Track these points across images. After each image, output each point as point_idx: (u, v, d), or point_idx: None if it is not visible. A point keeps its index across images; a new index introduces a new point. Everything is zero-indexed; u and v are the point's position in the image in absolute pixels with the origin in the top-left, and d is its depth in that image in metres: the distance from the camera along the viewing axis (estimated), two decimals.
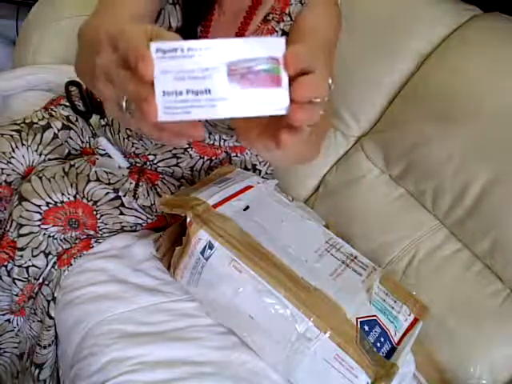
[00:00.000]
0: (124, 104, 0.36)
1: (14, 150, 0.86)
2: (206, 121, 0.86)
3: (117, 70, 0.35)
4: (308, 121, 0.35)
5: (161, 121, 0.34)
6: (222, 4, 0.84)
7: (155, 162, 0.93)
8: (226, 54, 0.33)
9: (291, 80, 0.35)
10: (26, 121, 0.91)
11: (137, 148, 0.92)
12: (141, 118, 0.35)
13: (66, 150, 0.93)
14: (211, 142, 0.92)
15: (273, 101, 0.34)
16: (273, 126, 0.37)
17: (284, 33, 0.84)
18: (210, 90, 0.33)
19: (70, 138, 0.94)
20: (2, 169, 0.84)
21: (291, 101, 0.35)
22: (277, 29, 0.84)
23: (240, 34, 0.85)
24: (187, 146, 0.92)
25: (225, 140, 0.92)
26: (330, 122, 0.78)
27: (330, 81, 0.39)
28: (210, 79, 0.33)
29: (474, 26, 1.01)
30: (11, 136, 0.86)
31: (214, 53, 0.33)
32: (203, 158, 0.94)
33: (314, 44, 0.74)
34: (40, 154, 0.88)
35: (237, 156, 0.97)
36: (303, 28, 0.79)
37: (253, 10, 0.84)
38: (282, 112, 0.35)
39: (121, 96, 0.36)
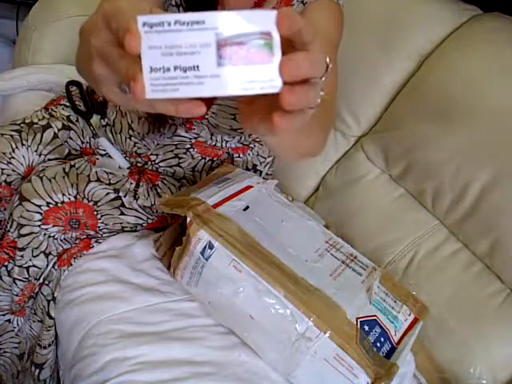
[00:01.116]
0: (124, 86, 0.35)
1: (14, 151, 0.86)
2: (208, 121, 0.86)
3: (111, 49, 0.35)
4: (300, 104, 0.33)
5: (149, 98, 0.32)
6: (225, 6, 0.84)
7: (157, 161, 0.93)
8: (215, 28, 0.32)
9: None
10: (26, 121, 0.91)
11: (139, 148, 0.92)
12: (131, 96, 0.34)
13: (66, 150, 0.93)
14: (213, 143, 0.92)
15: (264, 78, 0.33)
16: (273, 109, 0.35)
17: None
18: (198, 67, 0.32)
19: (70, 138, 0.94)
20: (2, 169, 0.84)
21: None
22: None
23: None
24: (189, 146, 0.92)
25: (227, 141, 0.92)
26: (332, 114, 0.74)
27: (328, 60, 0.37)
28: (199, 55, 0.32)
29: (474, 25, 1.01)
30: (11, 136, 0.86)
31: (202, 27, 0.32)
32: (205, 158, 0.94)
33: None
34: (40, 154, 0.88)
35: (239, 157, 0.97)
36: None
37: None
38: (275, 90, 0.33)
39: (116, 76, 0.35)
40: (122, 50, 0.33)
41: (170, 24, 0.31)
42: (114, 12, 0.34)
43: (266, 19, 0.32)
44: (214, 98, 0.82)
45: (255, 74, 0.32)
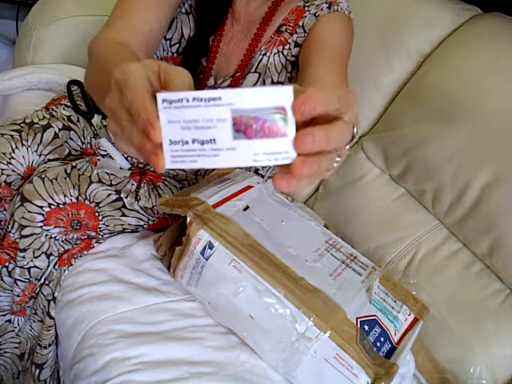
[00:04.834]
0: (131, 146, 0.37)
1: (14, 151, 0.85)
2: None
3: (124, 116, 0.36)
4: (311, 173, 0.34)
5: (168, 168, 0.35)
6: (235, 15, 0.85)
7: None
8: (231, 104, 0.33)
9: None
10: (27, 120, 0.91)
11: None
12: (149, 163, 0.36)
13: (67, 151, 0.93)
14: None
15: (278, 151, 0.34)
16: None
17: (297, 44, 0.84)
18: (215, 140, 0.34)
19: (71, 138, 0.94)
20: (2, 169, 0.84)
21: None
22: (289, 41, 0.84)
23: (253, 45, 0.85)
24: None
25: None
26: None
27: (355, 130, 0.36)
28: (215, 129, 0.34)
29: (474, 25, 1.01)
30: (11, 136, 0.86)
31: (218, 103, 0.33)
32: None
33: (331, 85, 0.72)
34: (40, 155, 0.88)
35: None
36: (319, 41, 0.79)
37: (266, 21, 0.85)
38: (288, 162, 0.34)
39: (128, 139, 0.37)
40: (135, 126, 0.35)
41: (188, 100, 0.33)
42: (125, 81, 0.36)
43: (280, 95, 0.33)
44: None
45: (269, 146, 0.34)
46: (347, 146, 0.36)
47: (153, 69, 0.37)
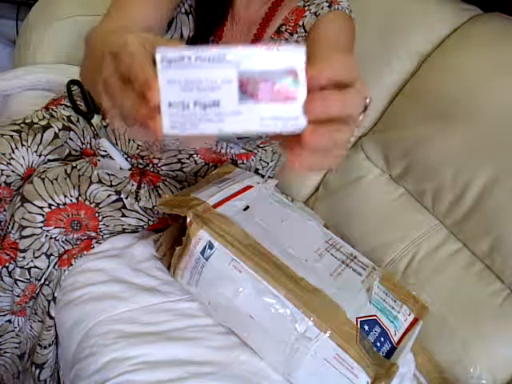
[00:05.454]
0: (125, 119, 0.35)
1: (13, 151, 0.85)
2: None
3: (118, 83, 0.34)
4: (322, 145, 0.31)
5: (167, 134, 0.32)
6: (235, 15, 0.84)
7: (159, 165, 0.93)
8: (238, 64, 0.31)
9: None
10: (26, 121, 0.90)
11: (141, 150, 0.92)
12: (146, 132, 0.33)
13: (66, 151, 0.93)
14: (218, 150, 0.92)
15: (288, 116, 0.31)
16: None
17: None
18: (219, 103, 0.31)
19: (71, 138, 0.93)
20: (2, 170, 0.84)
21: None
22: (290, 40, 0.84)
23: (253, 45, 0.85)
24: (192, 152, 0.91)
25: (231, 147, 0.92)
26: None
27: (368, 100, 0.34)
28: (220, 91, 0.31)
29: (474, 26, 1.01)
30: (11, 136, 0.86)
31: (224, 62, 0.31)
32: (208, 164, 0.94)
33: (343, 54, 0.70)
34: (40, 155, 0.88)
35: (243, 163, 0.97)
36: (320, 39, 0.79)
37: (266, 21, 0.84)
38: (298, 130, 0.31)
39: (122, 110, 0.35)
40: (131, 90, 0.33)
41: (190, 59, 0.31)
42: (121, 47, 0.34)
43: (292, 56, 0.31)
44: None
45: (278, 111, 0.31)
46: (360, 117, 0.34)
47: (149, 40, 0.35)
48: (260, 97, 0.31)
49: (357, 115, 0.33)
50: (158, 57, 0.31)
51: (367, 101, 0.35)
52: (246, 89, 0.31)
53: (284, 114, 0.31)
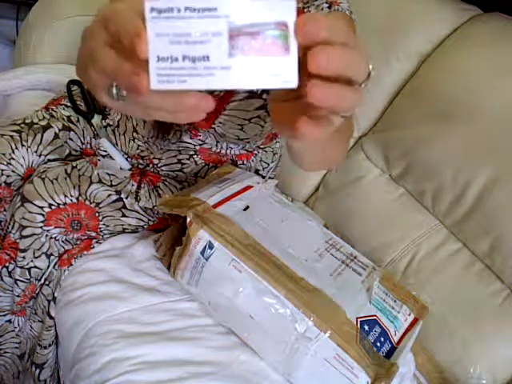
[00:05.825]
0: (114, 90, 0.34)
1: (13, 151, 0.85)
2: (215, 131, 0.86)
3: (103, 48, 0.33)
4: (328, 102, 0.30)
5: (154, 89, 0.31)
6: None
7: (159, 165, 0.93)
8: (228, 16, 0.30)
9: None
10: (26, 121, 0.90)
11: (142, 151, 0.92)
12: (132, 94, 0.32)
13: (67, 151, 0.93)
14: (218, 150, 0.92)
15: (278, 72, 0.30)
16: (301, 112, 0.32)
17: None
18: (208, 57, 0.30)
19: (71, 139, 0.94)
20: (2, 170, 0.84)
21: (309, 75, 0.30)
22: None
23: None
24: (193, 152, 0.91)
25: (231, 148, 0.92)
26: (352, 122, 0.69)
27: (371, 67, 0.33)
28: (209, 44, 0.30)
29: (474, 26, 1.01)
30: (11, 137, 0.86)
31: (214, 14, 0.30)
32: (208, 164, 0.94)
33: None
34: (40, 155, 0.88)
35: (243, 163, 0.97)
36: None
37: None
38: (290, 85, 0.30)
39: (108, 81, 0.34)
40: (113, 51, 0.32)
41: (179, 10, 0.30)
42: (112, 14, 0.33)
43: (283, 8, 0.30)
44: (223, 108, 0.81)
45: (269, 66, 0.30)
46: (363, 85, 0.33)
47: (138, 8, 0.33)
48: (250, 51, 0.30)
49: (361, 79, 0.32)
50: (146, 7, 0.30)
51: (370, 67, 0.34)
52: (236, 42, 0.30)
53: (275, 69, 0.30)
